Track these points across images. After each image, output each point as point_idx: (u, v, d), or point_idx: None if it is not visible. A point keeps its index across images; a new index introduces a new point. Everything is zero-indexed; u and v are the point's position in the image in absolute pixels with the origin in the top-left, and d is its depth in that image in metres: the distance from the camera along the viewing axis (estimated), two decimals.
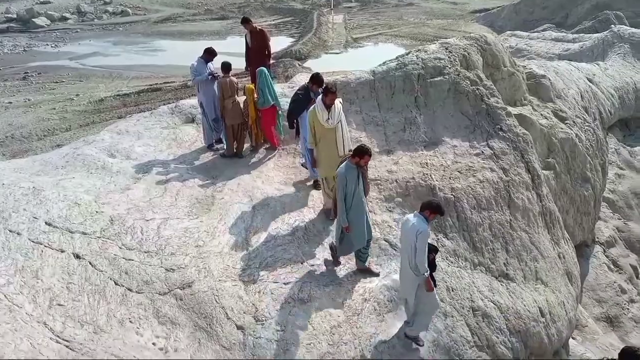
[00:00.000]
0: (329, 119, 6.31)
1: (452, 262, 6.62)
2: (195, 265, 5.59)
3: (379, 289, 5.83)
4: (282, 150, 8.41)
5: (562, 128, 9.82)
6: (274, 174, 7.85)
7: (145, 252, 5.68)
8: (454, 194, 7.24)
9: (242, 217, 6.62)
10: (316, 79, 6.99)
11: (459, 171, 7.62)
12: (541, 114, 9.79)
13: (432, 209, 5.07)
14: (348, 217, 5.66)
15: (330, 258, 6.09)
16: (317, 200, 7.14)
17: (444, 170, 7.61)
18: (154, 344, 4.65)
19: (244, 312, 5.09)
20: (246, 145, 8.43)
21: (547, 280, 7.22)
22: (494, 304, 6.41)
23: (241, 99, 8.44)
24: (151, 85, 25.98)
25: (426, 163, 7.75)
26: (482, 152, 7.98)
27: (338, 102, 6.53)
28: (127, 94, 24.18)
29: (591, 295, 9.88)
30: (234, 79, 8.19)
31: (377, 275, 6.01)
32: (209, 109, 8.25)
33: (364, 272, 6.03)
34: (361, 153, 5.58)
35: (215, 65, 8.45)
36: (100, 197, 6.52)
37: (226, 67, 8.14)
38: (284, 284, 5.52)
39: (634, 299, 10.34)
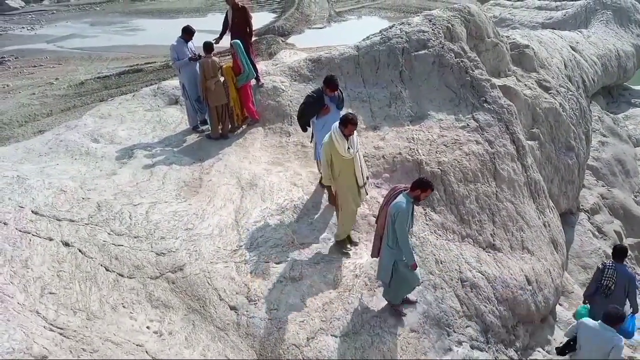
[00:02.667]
0: (349, 148, 5.52)
1: (440, 235, 6.71)
2: (185, 249, 5.60)
3: (370, 265, 5.90)
4: (269, 130, 8.36)
5: (546, 98, 9.87)
6: (261, 154, 7.81)
7: (135, 237, 5.67)
8: (440, 168, 7.29)
9: (230, 199, 6.61)
10: (330, 81, 6.29)
11: (445, 145, 7.66)
12: (525, 85, 9.82)
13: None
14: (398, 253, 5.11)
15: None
16: (305, 179, 7.14)
17: (430, 145, 7.64)
18: (148, 327, 4.68)
19: (236, 293, 5.14)
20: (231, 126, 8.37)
21: (533, 249, 7.37)
22: (482, 274, 6.54)
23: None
24: (132, 66, 25.41)
25: (412, 138, 7.77)
26: (468, 124, 8.01)
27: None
28: (107, 76, 23.66)
29: (577, 262, 10.13)
30: (216, 59, 8.04)
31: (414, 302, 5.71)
32: (191, 90, 8.13)
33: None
34: (424, 186, 5.03)
35: (196, 43, 8.30)
36: (86, 183, 6.46)
37: (208, 47, 7.97)
38: (275, 263, 5.57)
39: None
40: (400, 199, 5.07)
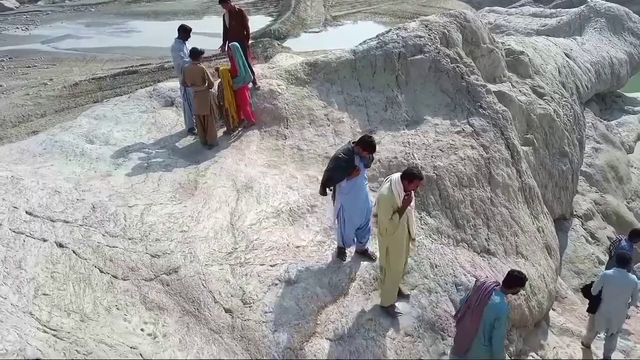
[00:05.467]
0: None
1: (435, 240, 6.73)
2: (180, 251, 5.58)
3: (365, 268, 5.91)
4: (265, 133, 8.36)
5: (540, 104, 9.95)
6: (257, 156, 7.81)
7: (130, 239, 5.64)
8: (436, 172, 7.32)
9: (226, 201, 6.60)
10: (367, 143, 5.46)
11: (440, 149, 7.70)
12: (520, 91, 9.89)
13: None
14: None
15: None
16: (300, 182, 7.15)
17: (426, 149, 7.68)
18: (142, 329, 4.66)
19: (231, 296, 5.13)
20: (221, 133, 8.29)
21: (527, 254, 7.41)
22: (476, 279, 6.56)
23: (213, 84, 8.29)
24: (127, 67, 25.35)
25: (408, 142, 7.80)
26: (463, 129, 8.06)
27: None
28: (102, 77, 23.58)
29: (570, 267, 10.19)
30: (202, 66, 7.86)
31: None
32: (190, 92, 8.12)
33: None
34: (521, 283, 4.93)
35: (191, 46, 8.29)
36: (80, 184, 6.42)
37: (195, 53, 7.81)
38: (271, 266, 5.56)
39: None
40: (497, 300, 4.83)
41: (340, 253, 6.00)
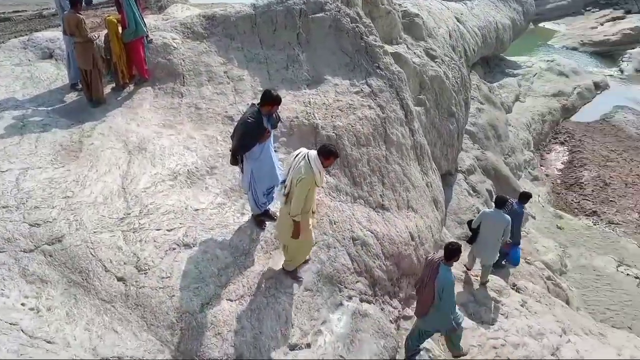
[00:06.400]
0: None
1: (334, 197, 6.95)
2: (64, 218, 5.16)
3: (267, 228, 5.95)
4: (159, 90, 7.86)
5: (432, 66, 10.48)
6: (151, 115, 7.36)
7: (4, 207, 5.10)
8: (335, 132, 7.47)
9: (116, 164, 6.19)
10: (273, 98, 5.22)
11: (340, 109, 7.84)
12: (414, 53, 10.31)
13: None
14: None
15: None
16: (199, 142, 6.90)
17: (326, 109, 7.77)
18: (23, 304, 4.31)
19: (124, 263, 4.90)
20: (109, 90, 7.65)
21: (417, 208, 7.97)
22: (372, 233, 6.95)
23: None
24: None
25: (309, 102, 7.83)
26: (362, 90, 8.25)
27: None
28: None
29: (454, 218, 11.17)
30: (79, 15, 7.07)
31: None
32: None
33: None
34: (457, 252, 5.49)
35: None
36: None
37: (73, 1, 7.01)
38: (168, 230, 5.37)
39: None
40: (444, 273, 5.74)
41: (259, 222, 5.89)
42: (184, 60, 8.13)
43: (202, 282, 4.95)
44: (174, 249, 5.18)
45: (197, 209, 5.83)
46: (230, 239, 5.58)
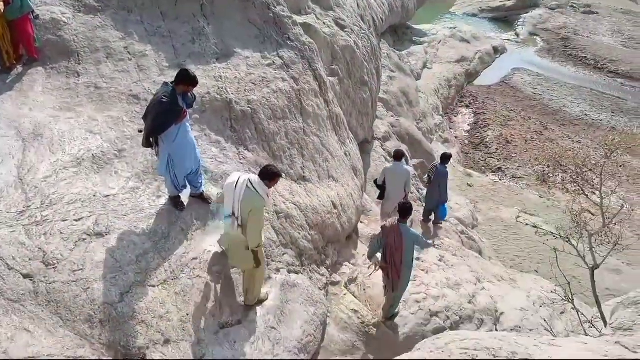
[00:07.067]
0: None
1: (255, 173, 6.85)
2: None
3: (186, 209, 5.76)
4: (51, 70, 7.18)
5: (342, 36, 10.56)
6: (45, 98, 6.72)
7: None
8: (250, 107, 7.33)
9: (9, 153, 5.61)
10: (189, 78, 5.00)
11: (253, 83, 7.68)
12: (324, 23, 10.30)
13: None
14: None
15: None
16: (103, 124, 6.43)
17: (239, 83, 7.58)
18: None
19: (29, 259, 4.51)
20: None
21: (337, 177, 8.13)
22: (295, 205, 7.00)
23: None
24: None
25: (220, 76, 7.57)
26: (274, 62, 8.13)
27: None
28: None
29: (373, 184, 11.55)
30: None
31: None
32: None
33: None
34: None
35: None
36: None
37: None
38: (75, 220, 5.00)
39: None
40: (406, 230, 6.48)
41: (176, 203, 5.64)
42: (77, 37, 7.47)
43: (120, 271, 4.70)
44: (85, 239, 4.85)
45: (108, 195, 5.48)
46: (147, 223, 5.33)
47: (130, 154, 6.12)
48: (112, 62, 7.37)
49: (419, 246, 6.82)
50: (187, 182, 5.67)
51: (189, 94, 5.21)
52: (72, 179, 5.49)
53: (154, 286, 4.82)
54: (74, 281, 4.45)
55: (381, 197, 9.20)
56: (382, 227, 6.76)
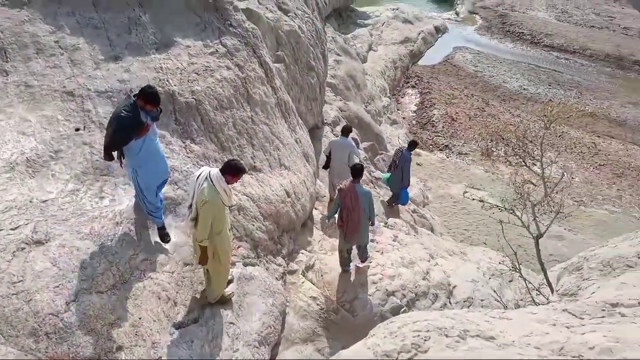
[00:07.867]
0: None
1: (202, 166, 6.69)
2: None
3: (131, 209, 5.54)
4: None
5: (286, 21, 10.39)
6: None
7: None
8: (195, 97, 7.11)
9: None
10: (151, 95, 4.81)
11: (196, 73, 7.44)
12: (267, 8, 10.09)
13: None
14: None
15: None
16: (36, 125, 6.04)
17: (181, 74, 7.32)
18: None
19: None
20: None
21: (289, 165, 8.07)
22: (247, 196, 6.90)
23: None
24: None
25: (161, 67, 7.27)
26: (217, 50, 7.90)
27: None
28: None
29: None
30: None
31: None
32: None
33: None
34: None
35: None
36: None
37: None
38: (11, 229, 4.69)
39: None
40: (361, 189, 7.08)
41: (164, 235, 5.50)
42: (2, 32, 6.93)
43: (63, 279, 4.46)
44: (23, 248, 4.56)
45: (46, 200, 5.17)
46: (89, 226, 5.08)
47: (67, 155, 5.79)
48: (42, 57, 6.90)
49: (370, 211, 7.33)
50: (160, 197, 5.48)
51: (158, 109, 5.04)
52: (5, 185, 5.13)
53: (101, 292, 4.62)
54: (14, 294, 4.19)
55: (326, 166, 9.70)
56: (338, 190, 7.20)
